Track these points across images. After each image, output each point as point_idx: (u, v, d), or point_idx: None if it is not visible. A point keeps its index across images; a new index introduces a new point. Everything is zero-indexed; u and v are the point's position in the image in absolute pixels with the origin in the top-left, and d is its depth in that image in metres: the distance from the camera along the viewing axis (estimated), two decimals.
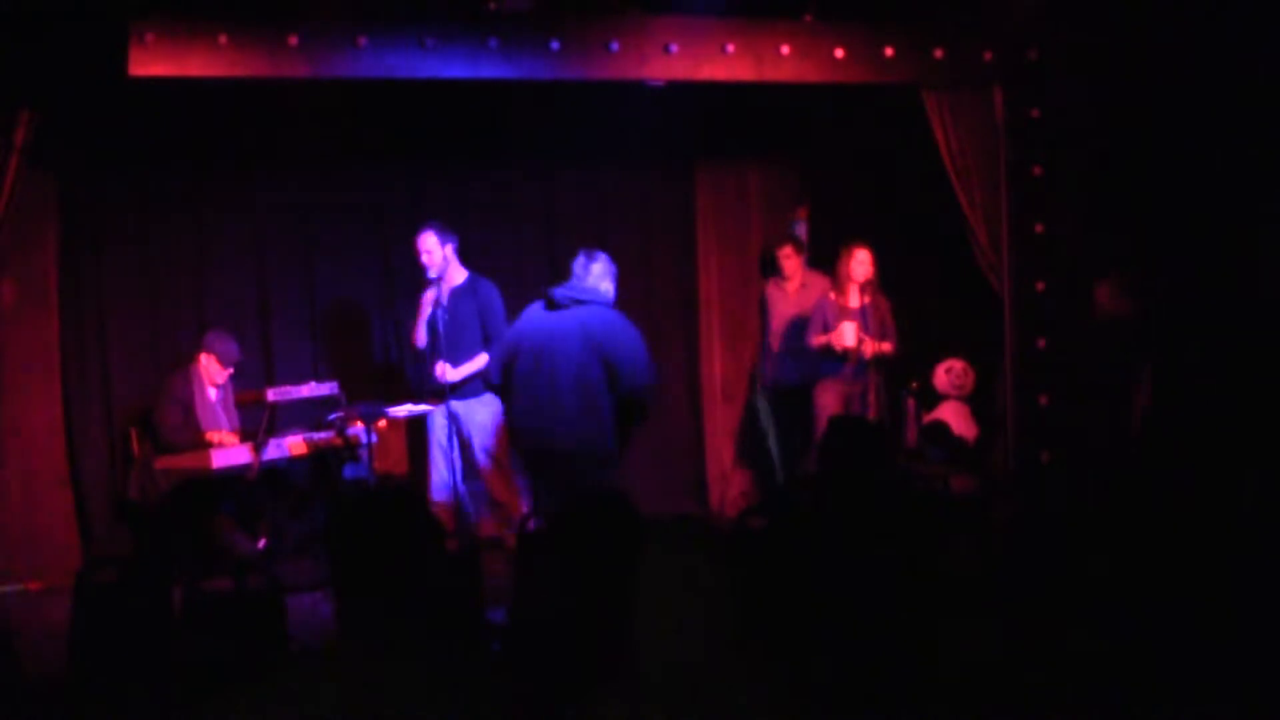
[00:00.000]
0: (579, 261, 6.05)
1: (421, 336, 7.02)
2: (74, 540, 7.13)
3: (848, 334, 7.22)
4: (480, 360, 6.78)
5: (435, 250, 6.83)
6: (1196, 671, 3.38)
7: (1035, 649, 3.39)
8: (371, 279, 7.92)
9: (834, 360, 7.35)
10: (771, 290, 8.02)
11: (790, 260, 7.90)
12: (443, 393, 6.74)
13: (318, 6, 6.21)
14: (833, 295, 7.42)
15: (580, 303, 5.91)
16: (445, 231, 6.91)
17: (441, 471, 6.90)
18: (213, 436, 6.84)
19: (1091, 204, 6.88)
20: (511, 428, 6.20)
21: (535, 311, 6.05)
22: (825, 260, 7.90)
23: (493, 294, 6.93)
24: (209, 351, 6.98)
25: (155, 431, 6.98)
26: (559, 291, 5.97)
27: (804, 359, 7.60)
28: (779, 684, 2.32)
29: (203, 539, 6.57)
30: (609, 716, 2.29)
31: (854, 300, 7.27)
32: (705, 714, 2.23)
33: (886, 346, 7.29)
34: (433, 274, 6.83)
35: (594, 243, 7.71)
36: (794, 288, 7.94)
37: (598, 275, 6.03)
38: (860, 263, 7.28)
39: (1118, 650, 3.43)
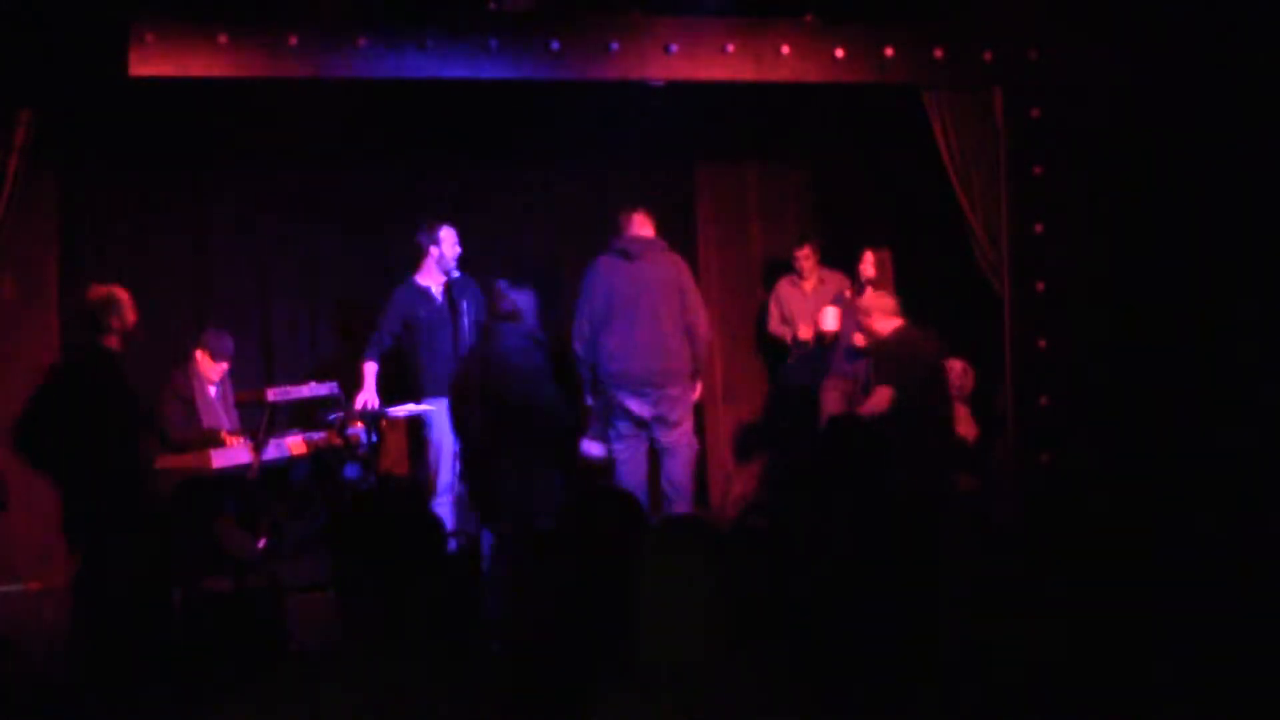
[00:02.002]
0: (624, 216, 6.87)
1: (388, 336, 7.00)
2: None
3: (828, 317, 7.32)
4: None
5: (457, 247, 6.91)
6: (1193, 670, 3.38)
7: (1036, 648, 3.39)
8: (372, 279, 7.91)
9: (828, 349, 7.43)
10: (787, 289, 7.96)
11: (808, 260, 7.87)
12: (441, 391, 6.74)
13: (318, 6, 6.20)
14: (848, 293, 7.47)
15: (651, 250, 6.77)
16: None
17: (444, 471, 6.90)
18: (225, 436, 6.83)
19: (1091, 204, 6.88)
20: (609, 370, 6.72)
21: (613, 266, 6.76)
22: (825, 259, 7.92)
23: (478, 292, 6.99)
24: (202, 347, 6.99)
25: (159, 430, 6.98)
26: (632, 245, 6.75)
27: (816, 356, 7.65)
28: (779, 684, 2.32)
29: (203, 539, 6.57)
30: (609, 716, 2.28)
31: (858, 299, 7.33)
32: (705, 713, 2.23)
33: None
34: (453, 268, 6.88)
35: (593, 243, 7.75)
36: (810, 286, 7.93)
37: (643, 223, 6.90)
38: (864, 263, 7.33)
39: (1115, 649, 3.43)
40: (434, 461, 6.99)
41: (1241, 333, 6.77)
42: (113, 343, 5.38)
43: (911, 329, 6.72)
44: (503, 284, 6.14)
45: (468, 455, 6.14)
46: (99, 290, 5.50)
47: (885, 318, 6.68)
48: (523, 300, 6.16)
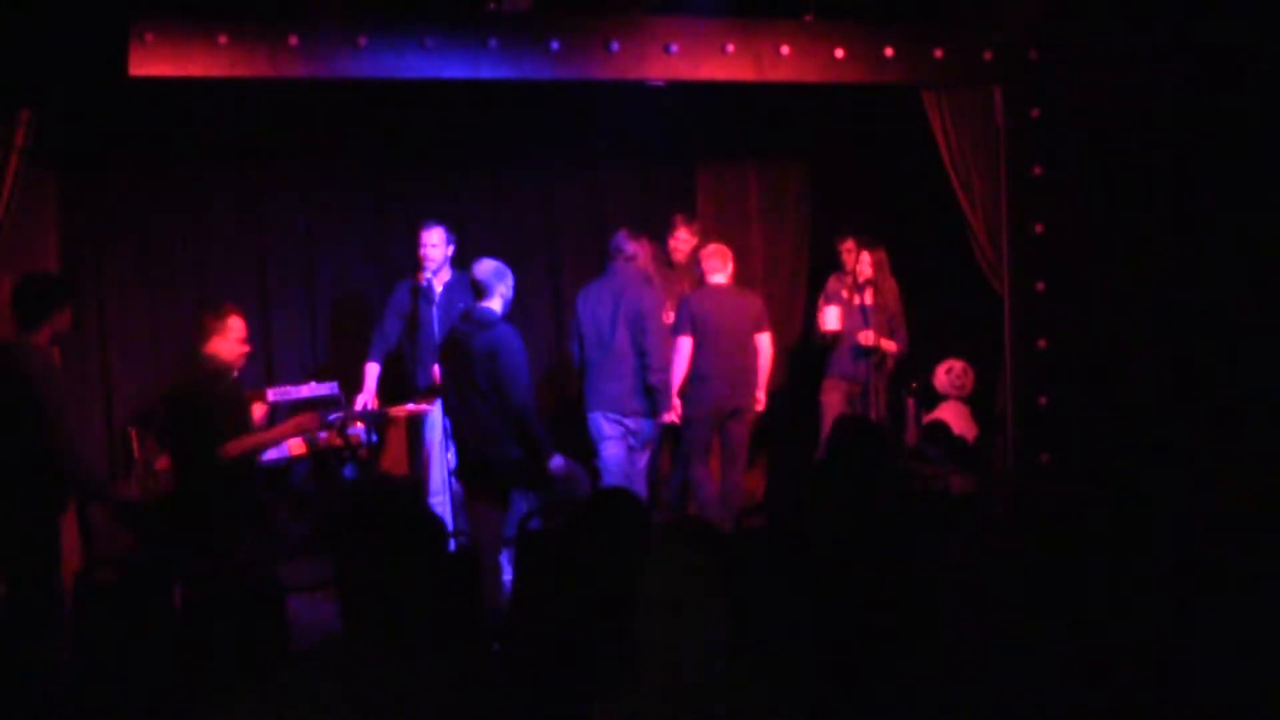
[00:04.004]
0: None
1: (392, 334, 7.03)
2: (74, 540, 7.12)
3: (829, 317, 7.31)
4: None
5: (439, 246, 6.86)
6: (1193, 669, 3.38)
7: (1033, 647, 3.39)
8: (371, 279, 7.92)
9: (829, 350, 7.44)
10: (836, 285, 7.72)
11: (852, 254, 7.55)
12: (437, 391, 6.75)
13: (318, 6, 6.20)
14: (845, 292, 7.47)
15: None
16: (450, 232, 6.93)
17: (439, 471, 6.90)
18: None
19: (1091, 204, 6.89)
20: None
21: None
22: (825, 260, 7.93)
23: None
24: None
25: (158, 432, 6.96)
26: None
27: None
28: (778, 684, 2.32)
29: (203, 539, 6.56)
30: (609, 717, 2.29)
31: (858, 298, 7.32)
32: (704, 715, 2.23)
33: (889, 345, 7.31)
34: (430, 270, 6.85)
35: (594, 243, 7.76)
36: (853, 282, 7.83)
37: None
38: (862, 263, 7.32)
39: (1113, 649, 3.42)
40: (429, 460, 6.99)
41: (1241, 332, 6.78)
42: (497, 304, 5.97)
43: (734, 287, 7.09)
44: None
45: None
46: (491, 261, 6.06)
47: (716, 273, 7.01)
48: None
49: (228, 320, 5.56)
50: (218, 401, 5.44)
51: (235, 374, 5.65)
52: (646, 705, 2.24)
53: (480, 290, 6.00)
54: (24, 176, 6.19)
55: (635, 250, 6.87)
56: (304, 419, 5.81)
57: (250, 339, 7.45)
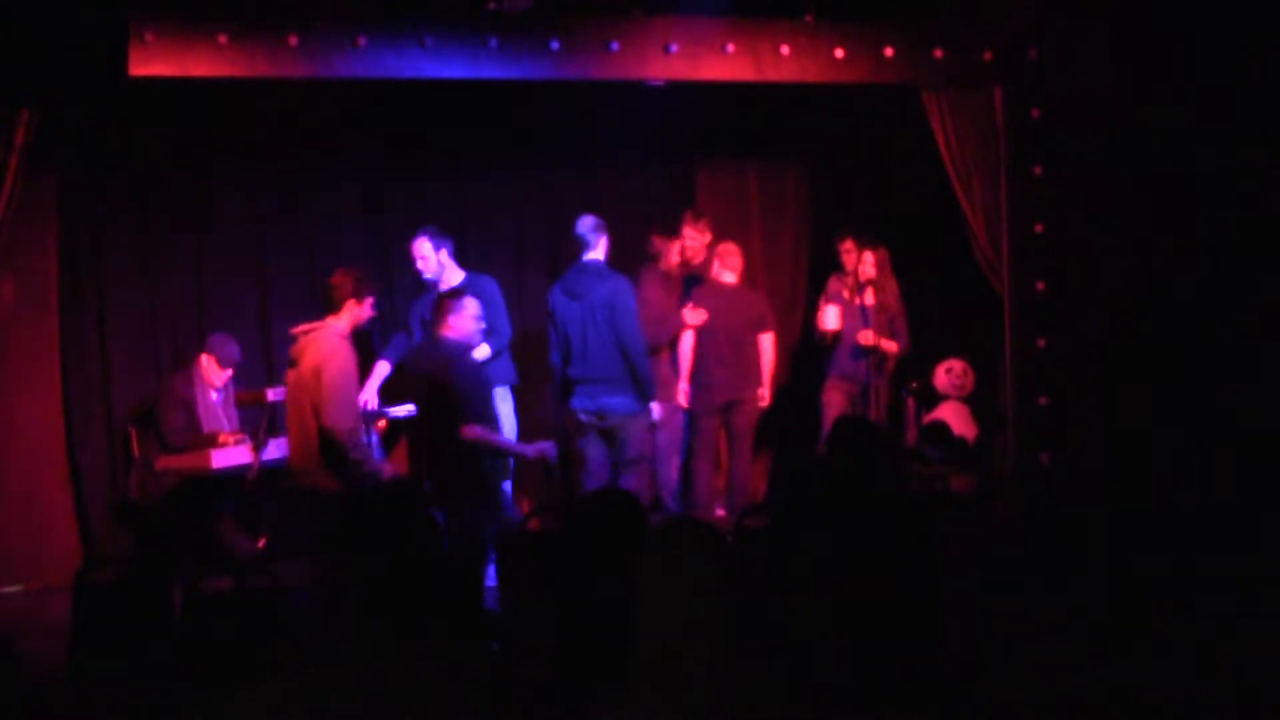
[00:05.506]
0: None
1: (403, 336, 7.05)
2: (74, 540, 7.13)
3: (829, 316, 7.33)
4: (482, 351, 6.81)
5: (430, 256, 6.83)
6: (1193, 670, 3.38)
7: (1034, 647, 3.39)
8: (372, 278, 7.89)
9: (829, 350, 7.46)
10: (837, 286, 7.65)
11: (851, 255, 7.49)
12: None
13: (318, 6, 6.21)
14: (846, 292, 7.47)
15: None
16: (439, 235, 6.89)
17: None
18: (225, 438, 6.82)
19: (1091, 204, 6.89)
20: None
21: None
22: (825, 260, 7.92)
23: (494, 289, 6.96)
24: (209, 353, 6.98)
25: (158, 432, 6.97)
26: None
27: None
28: (779, 684, 2.32)
29: (203, 539, 6.57)
30: (609, 716, 2.28)
31: (858, 298, 7.32)
32: (704, 714, 2.23)
33: (889, 345, 7.31)
34: (428, 277, 6.85)
35: None
36: (854, 283, 7.80)
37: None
38: (864, 263, 7.31)
39: (1114, 649, 3.43)
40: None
41: (1241, 331, 6.78)
42: (600, 254, 6.49)
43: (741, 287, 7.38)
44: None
45: None
46: (590, 217, 6.53)
47: (727, 271, 7.31)
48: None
49: (464, 299, 5.92)
50: (457, 380, 5.69)
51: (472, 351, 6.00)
52: (646, 705, 2.24)
53: (583, 244, 6.48)
54: (24, 176, 6.19)
55: (658, 249, 7.25)
56: (545, 446, 5.97)
57: (251, 339, 7.52)
